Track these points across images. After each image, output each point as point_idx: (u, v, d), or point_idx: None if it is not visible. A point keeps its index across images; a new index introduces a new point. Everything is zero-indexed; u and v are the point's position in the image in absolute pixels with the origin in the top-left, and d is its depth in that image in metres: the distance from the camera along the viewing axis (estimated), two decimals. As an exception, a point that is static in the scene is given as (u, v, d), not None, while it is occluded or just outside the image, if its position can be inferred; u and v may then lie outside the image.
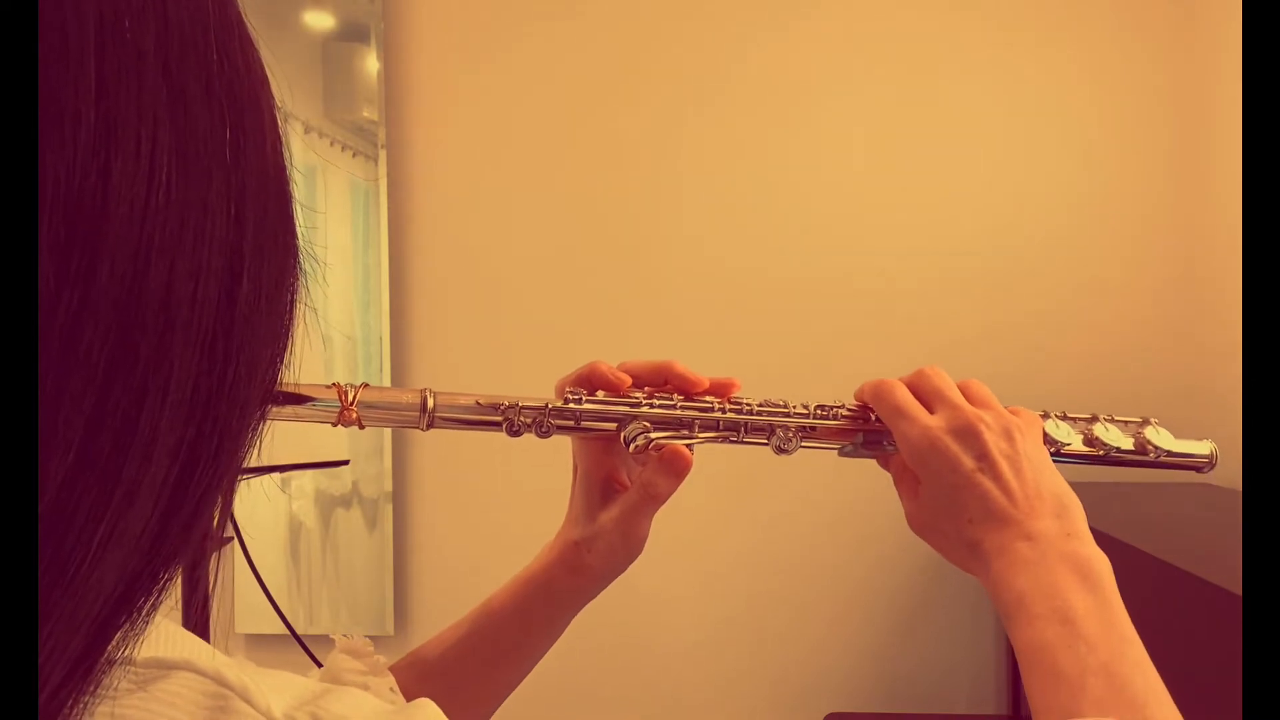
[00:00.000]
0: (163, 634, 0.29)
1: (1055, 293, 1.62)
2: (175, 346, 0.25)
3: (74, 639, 0.24)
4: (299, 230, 0.30)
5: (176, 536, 0.27)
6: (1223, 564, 0.86)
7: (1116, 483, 1.52)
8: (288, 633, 0.58)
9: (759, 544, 1.65)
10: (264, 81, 0.28)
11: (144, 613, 0.26)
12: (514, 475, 1.63)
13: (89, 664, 0.25)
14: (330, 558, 1.66)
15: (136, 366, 0.24)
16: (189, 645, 0.31)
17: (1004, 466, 0.52)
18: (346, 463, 1.62)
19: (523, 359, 1.66)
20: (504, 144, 1.67)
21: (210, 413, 0.26)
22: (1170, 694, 0.46)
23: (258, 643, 1.63)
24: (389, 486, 1.66)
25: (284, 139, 0.29)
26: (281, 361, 0.30)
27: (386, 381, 1.65)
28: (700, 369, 0.57)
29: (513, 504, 1.63)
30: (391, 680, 0.57)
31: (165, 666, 0.29)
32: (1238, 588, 0.79)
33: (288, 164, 0.29)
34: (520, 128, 1.67)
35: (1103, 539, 1.00)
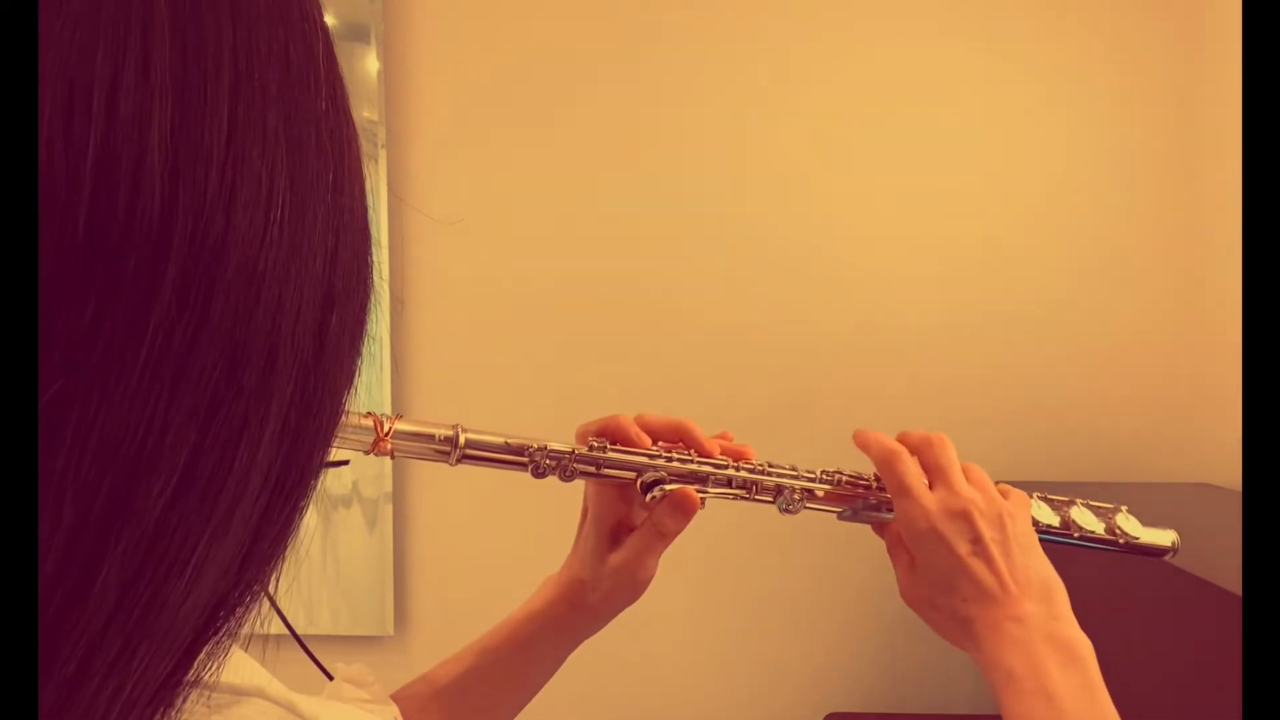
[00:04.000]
0: (230, 659, 0.30)
1: (1052, 293, 1.62)
2: (275, 378, 0.26)
3: (164, 660, 0.25)
4: (375, 267, 0.31)
5: (260, 562, 0.28)
6: (1223, 564, 0.86)
7: (1117, 483, 1.52)
8: (287, 633, 0.58)
9: (759, 543, 1.65)
10: (353, 124, 0.31)
11: (229, 635, 0.28)
12: (515, 476, 1.63)
13: (174, 683, 0.26)
14: (330, 558, 1.66)
15: (240, 397, 0.25)
16: (256, 671, 0.32)
17: (995, 552, 0.56)
18: (346, 463, 1.61)
19: (523, 360, 1.66)
20: (505, 144, 1.67)
21: (297, 444, 0.27)
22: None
23: (257, 643, 1.63)
24: (389, 486, 1.66)
25: (367, 178, 0.31)
26: (350, 393, 0.31)
27: (387, 384, 1.65)
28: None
29: (513, 504, 1.63)
30: (395, 710, 0.58)
31: (238, 693, 0.31)
32: (1238, 588, 0.79)
33: (369, 203, 0.31)
34: (521, 128, 1.67)
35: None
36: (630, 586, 0.64)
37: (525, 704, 0.65)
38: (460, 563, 1.68)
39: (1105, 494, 0.69)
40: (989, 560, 0.56)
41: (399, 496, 1.68)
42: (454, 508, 1.69)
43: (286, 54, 0.26)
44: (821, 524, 1.62)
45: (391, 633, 1.67)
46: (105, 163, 0.22)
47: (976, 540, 0.56)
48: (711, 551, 1.64)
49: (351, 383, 0.31)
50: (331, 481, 1.66)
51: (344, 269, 0.28)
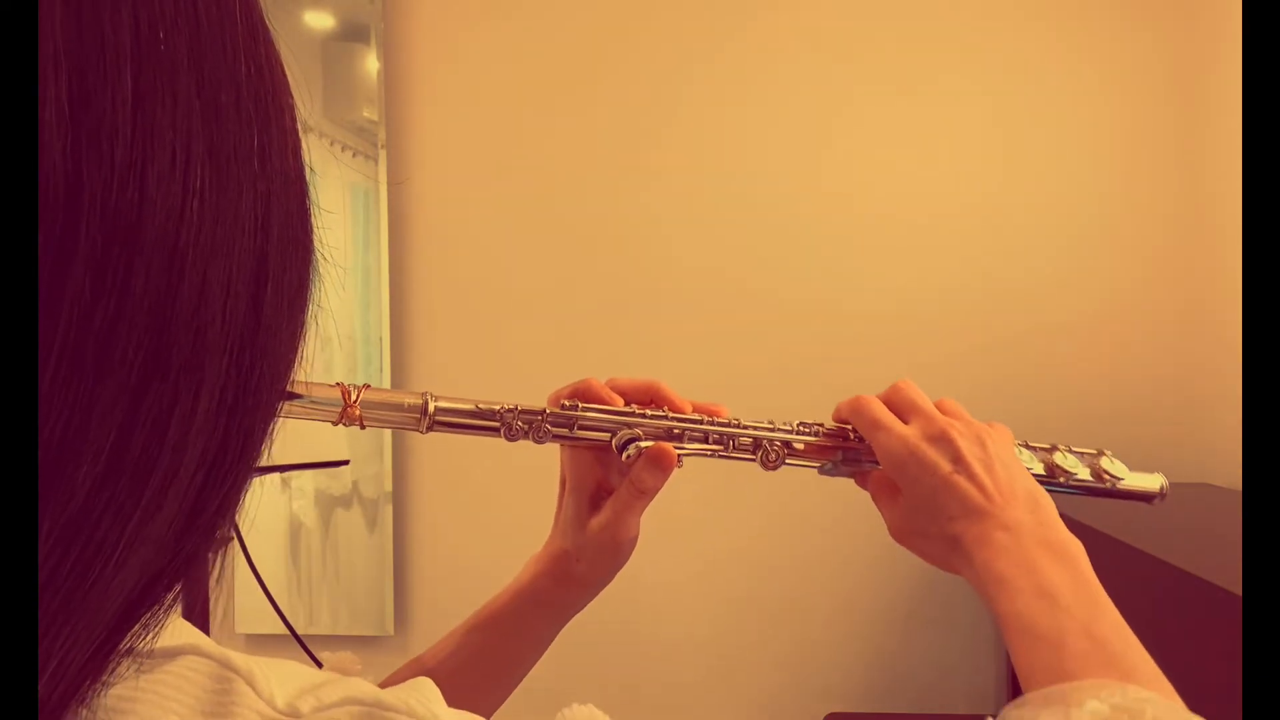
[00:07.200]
0: (170, 625, 0.30)
1: (1054, 296, 1.62)
2: (206, 355, 0.25)
3: (91, 636, 0.24)
4: (315, 233, 0.30)
5: (199, 536, 0.27)
6: (1223, 564, 0.86)
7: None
8: (288, 633, 0.58)
9: (758, 543, 1.65)
10: (285, 85, 0.29)
11: (164, 607, 0.27)
12: (514, 475, 1.63)
13: (104, 654, 0.25)
14: (330, 558, 1.66)
15: (168, 375, 0.24)
16: (192, 633, 0.31)
17: (978, 467, 0.56)
18: (346, 463, 1.62)
19: (522, 359, 1.66)
20: (504, 144, 1.67)
21: (235, 418, 0.27)
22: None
23: (258, 643, 1.63)
24: (389, 486, 1.66)
25: (303, 141, 0.29)
26: (296, 363, 0.30)
27: (386, 382, 1.65)
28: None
29: (512, 503, 1.63)
30: None
31: (171, 654, 0.30)
32: (1238, 588, 0.79)
33: (306, 166, 0.30)
34: (520, 127, 1.67)
35: (1103, 539, 1.00)
36: (614, 550, 0.61)
37: (516, 684, 0.64)
38: (460, 563, 1.68)
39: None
40: (972, 475, 0.55)
41: (399, 496, 1.68)
42: (454, 508, 1.69)
43: (195, 16, 0.25)
44: (822, 524, 1.63)
45: (392, 633, 1.67)
46: None
47: (957, 459, 0.56)
48: (710, 551, 1.64)
49: (296, 353, 0.30)
50: (331, 482, 1.66)
51: (278, 239, 0.27)
